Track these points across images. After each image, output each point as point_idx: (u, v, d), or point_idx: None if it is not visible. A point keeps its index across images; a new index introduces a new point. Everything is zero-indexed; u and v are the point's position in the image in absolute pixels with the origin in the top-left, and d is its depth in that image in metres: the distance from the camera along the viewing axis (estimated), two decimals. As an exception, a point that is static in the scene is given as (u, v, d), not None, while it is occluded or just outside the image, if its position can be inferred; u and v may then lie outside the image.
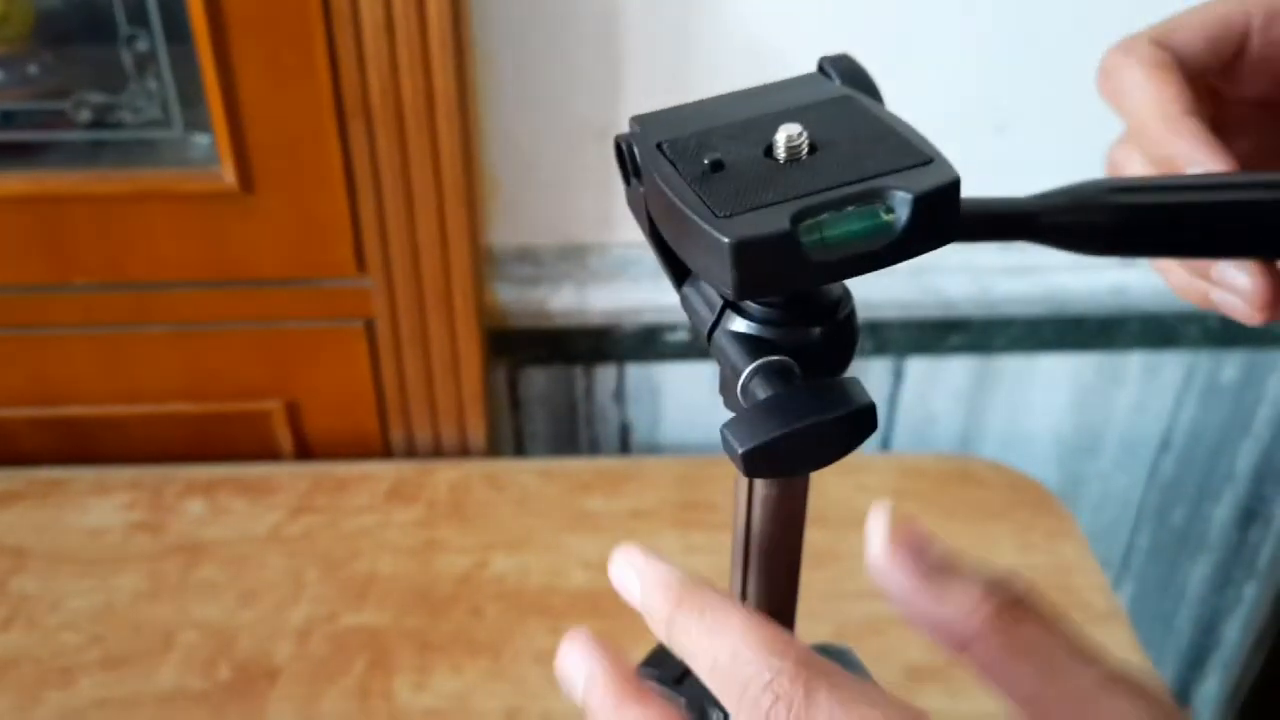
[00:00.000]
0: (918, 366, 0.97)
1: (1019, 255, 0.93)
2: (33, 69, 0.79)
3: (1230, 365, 1.00)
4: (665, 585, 0.29)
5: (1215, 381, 1.01)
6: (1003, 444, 1.03)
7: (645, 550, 0.30)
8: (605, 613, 0.76)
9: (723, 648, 0.27)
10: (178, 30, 0.76)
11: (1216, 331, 0.96)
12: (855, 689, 0.26)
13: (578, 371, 0.96)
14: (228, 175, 0.79)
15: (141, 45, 0.77)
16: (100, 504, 0.85)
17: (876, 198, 0.24)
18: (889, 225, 0.24)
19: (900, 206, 0.24)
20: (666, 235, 0.26)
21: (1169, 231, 0.33)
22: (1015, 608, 0.28)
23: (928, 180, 0.24)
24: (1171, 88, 0.37)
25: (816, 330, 0.27)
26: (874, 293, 0.92)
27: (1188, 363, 0.99)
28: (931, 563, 0.29)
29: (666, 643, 0.29)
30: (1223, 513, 1.12)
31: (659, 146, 0.26)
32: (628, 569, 0.30)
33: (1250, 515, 1.12)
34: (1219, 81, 0.41)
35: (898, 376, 0.98)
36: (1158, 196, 0.33)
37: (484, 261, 0.89)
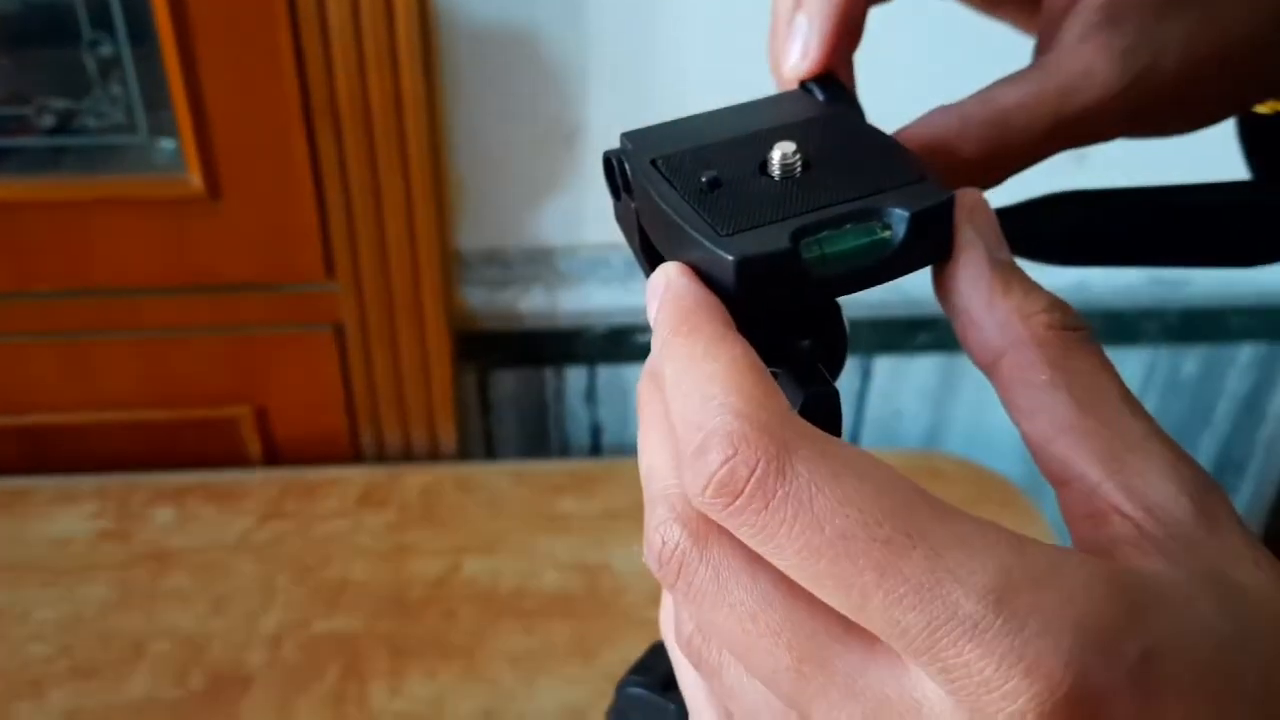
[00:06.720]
0: (885, 364, 0.98)
1: (983, 254, 0.94)
2: (-7, 74, 0.78)
3: (1190, 361, 1.02)
4: (678, 299, 0.24)
5: (1176, 377, 1.03)
6: (968, 440, 1.04)
7: (686, 272, 0.25)
8: (579, 614, 0.76)
9: (693, 381, 0.21)
10: (142, 34, 0.75)
11: (1176, 328, 0.98)
12: (845, 457, 0.20)
13: (548, 373, 0.96)
14: (194, 180, 0.79)
15: (105, 49, 0.76)
16: (66, 513, 0.84)
17: (874, 215, 0.25)
18: (886, 242, 0.25)
19: (897, 224, 0.25)
20: (663, 250, 0.27)
21: (1126, 237, 0.34)
22: (1076, 331, 0.23)
23: (923, 198, 0.25)
24: None
25: (806, 343, 0.27)
26: (841, 292, 0.92)
27: (1148, 359, 1.01)
28: (1003, 256, 0.25)
29: (653, 369, 0.24)
30: (1184, 505, 1.14)
31: (654, 163, 0.27)
32: (660, 277, 0.25)
33: (1211, 507, 1.14)
34: None
35: (865, 374, 0.99)
36: (1113, 201, 0.33)
37: (453, 264, 0.89)
